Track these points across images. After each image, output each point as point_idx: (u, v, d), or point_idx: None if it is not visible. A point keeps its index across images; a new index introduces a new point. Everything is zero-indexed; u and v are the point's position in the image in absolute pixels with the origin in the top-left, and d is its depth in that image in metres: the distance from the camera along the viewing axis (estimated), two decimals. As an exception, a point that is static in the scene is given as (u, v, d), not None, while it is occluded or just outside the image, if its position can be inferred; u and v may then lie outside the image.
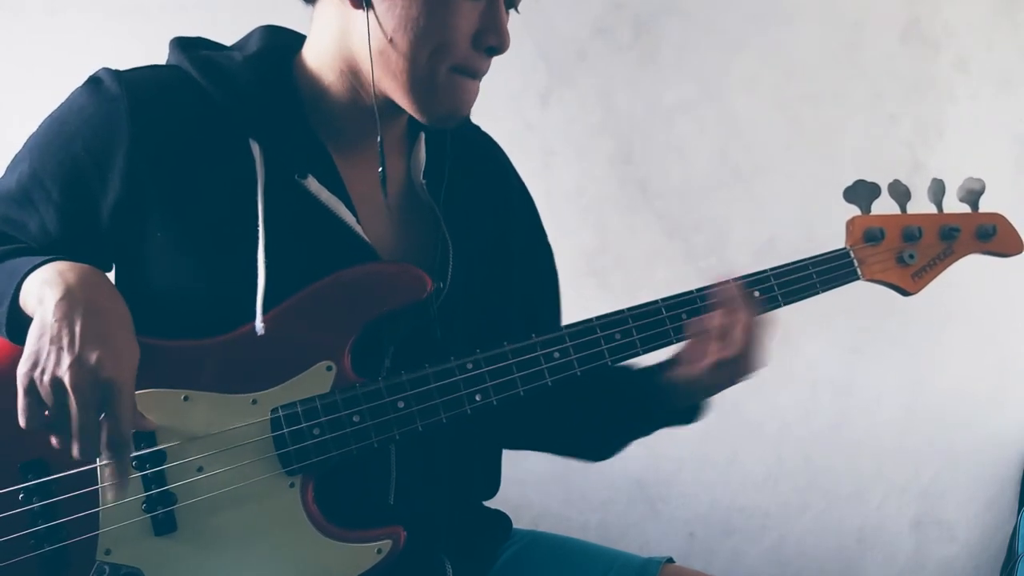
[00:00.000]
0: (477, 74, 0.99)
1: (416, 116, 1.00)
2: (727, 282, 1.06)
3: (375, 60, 0.96)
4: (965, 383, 2.23)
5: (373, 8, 0.94)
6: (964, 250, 1.20)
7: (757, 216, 2.11)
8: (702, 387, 1.07)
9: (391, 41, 0.94)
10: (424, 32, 0.94)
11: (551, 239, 1.23)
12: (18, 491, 0.88)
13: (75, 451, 0.84)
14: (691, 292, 1.07)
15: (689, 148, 2.09)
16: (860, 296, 1.37)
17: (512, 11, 1.01)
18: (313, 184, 0.99)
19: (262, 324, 0.93)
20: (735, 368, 1.04)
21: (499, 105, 1.04)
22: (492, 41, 0.97)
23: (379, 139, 1.00)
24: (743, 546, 2.19)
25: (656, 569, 1.14)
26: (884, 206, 1.17)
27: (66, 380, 0.82)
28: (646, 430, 1.15)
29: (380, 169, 1.00)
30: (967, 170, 1.21)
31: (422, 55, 0.95)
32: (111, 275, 0.98)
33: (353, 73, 0.99)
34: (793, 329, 2.13)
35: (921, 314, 2.15)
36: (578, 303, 1.18)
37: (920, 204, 1.19)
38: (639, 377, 1.12)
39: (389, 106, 1.00)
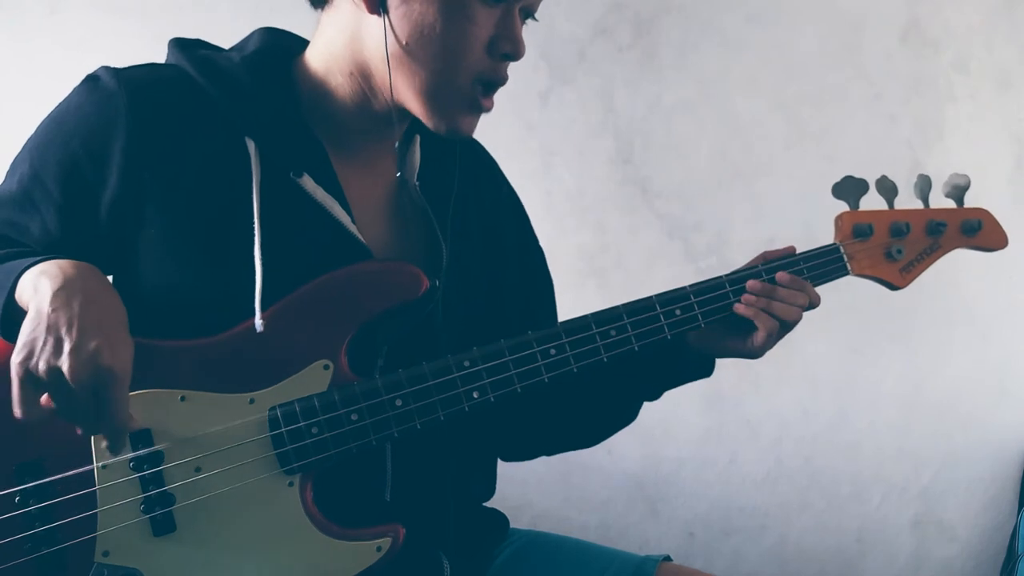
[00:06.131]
0: (500, 83, 1.00)
1: (428, 123, 0.99)
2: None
3: (391, 66, 0.96)
4: (965, 383, 2.23)
5: (389, 14, 0.94)
6: (950, 245, 1.20)
7: (757, 216, 2.11)
8: (731, 348, 1.12)
9: (407, 46, 0.94)
10: (440, 38, 0.94)
11: (551, 239, 1.23)
12: (14, 493, 0.88)
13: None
14: (683, 288, 1.08)
15: (689, 148, 2.09)
16: (860, 296, 1.37)
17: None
18: (308, 183, 0.99)
19: (261, 321, 0.93)
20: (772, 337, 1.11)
21: (499, 105, 1.04)
22: (507, 48, 0.97)
23: (396, 145, 1.01)
24: (743, 546, 2.19)
25: (653, 567, 1.14)
26: (872, 203, 1.17)
27: (64, 367, 0.80)
28: (654, 391, 1.16)
29: (399, 174, 1.02)
30: (967, 169, 1.21)
31: (438, 62, 0.95)
32: (111, 278, 0.98)
33: (364, 77, 0.99)
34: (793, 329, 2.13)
35: (921, 314, 2.15)
36: (578, 303, 1.17)
37: (907, 201, 1.19)
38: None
39: (399, 112, 1.00)
